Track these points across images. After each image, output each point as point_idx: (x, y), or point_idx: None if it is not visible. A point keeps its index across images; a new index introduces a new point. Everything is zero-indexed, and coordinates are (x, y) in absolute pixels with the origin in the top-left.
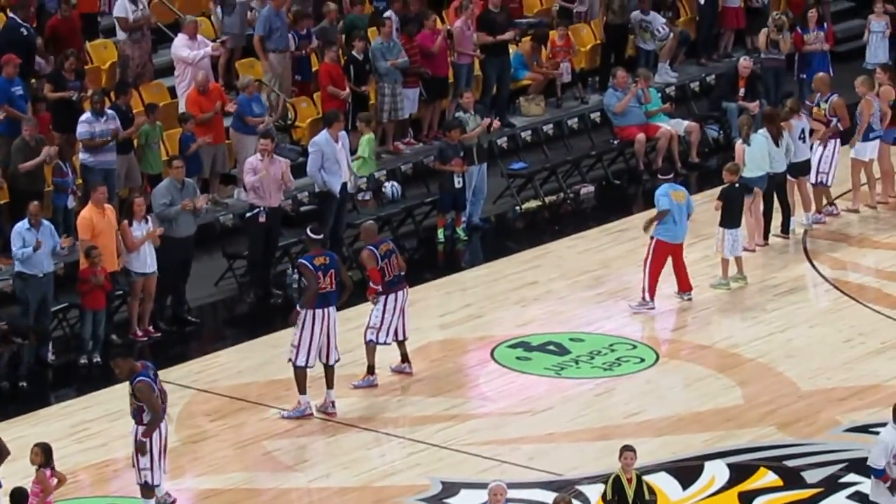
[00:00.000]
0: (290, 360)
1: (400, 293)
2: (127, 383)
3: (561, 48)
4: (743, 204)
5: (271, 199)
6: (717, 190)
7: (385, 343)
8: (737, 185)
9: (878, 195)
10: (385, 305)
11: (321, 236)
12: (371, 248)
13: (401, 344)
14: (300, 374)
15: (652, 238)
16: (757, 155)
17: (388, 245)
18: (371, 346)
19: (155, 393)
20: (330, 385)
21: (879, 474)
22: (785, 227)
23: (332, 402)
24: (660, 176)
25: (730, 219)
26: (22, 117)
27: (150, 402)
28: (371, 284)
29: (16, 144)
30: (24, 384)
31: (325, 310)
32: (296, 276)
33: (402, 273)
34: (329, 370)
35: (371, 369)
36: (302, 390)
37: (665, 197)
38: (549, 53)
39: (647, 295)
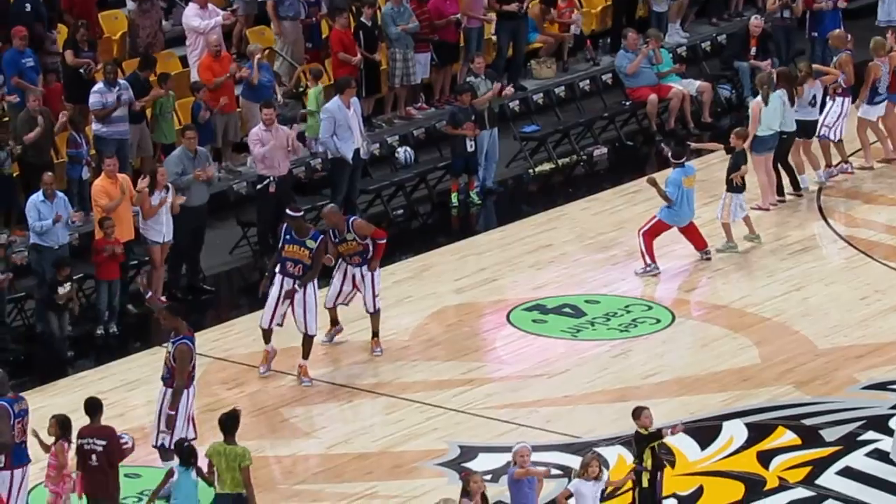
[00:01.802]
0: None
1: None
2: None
3: (566, 8)
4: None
5: (280, 168)
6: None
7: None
8: (742, 151)
9: (892, 152)
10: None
11: (301, 213)
12: (355, 217)
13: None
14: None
15: (653, 217)
16: (772, 114)
17: None
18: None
19: (191, 362)
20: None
21: None
22: (795, 184)
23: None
24: (672, 160)
25: (737, 183)
26: (31, 88)
27: (182, 369)
28: (380, 242)
29: (21, 117)
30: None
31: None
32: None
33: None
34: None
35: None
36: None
37: (675, 187)
38: (556, 15)
39: (647, 258)
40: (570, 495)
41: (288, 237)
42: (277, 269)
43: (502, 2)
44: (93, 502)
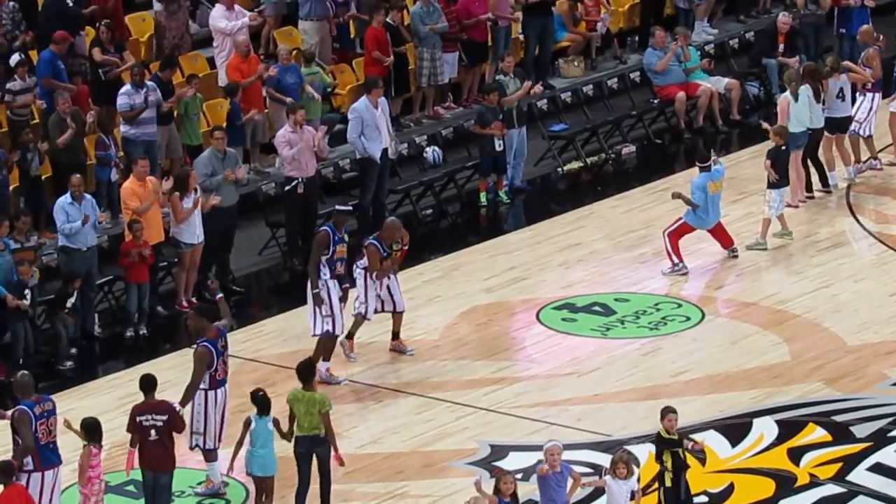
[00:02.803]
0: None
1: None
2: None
3: (593, 7)
4: (788, 163)
5: (308, 169)
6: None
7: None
8: (783, 147)
9: None
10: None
11: (350, 209)
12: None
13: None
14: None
15: (679, 218)
16: (802, 110)
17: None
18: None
19: (210, 364)
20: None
21: None
22: (824, 181)
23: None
24: (698, 164)
25: (781, 179)
26: (65, 87)
27: (197, 370)
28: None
29: (52, 119)
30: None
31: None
32: None
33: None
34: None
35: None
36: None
37: (701, 192)
38: (583, 13)
39: (674, 258)
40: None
41: (337, 238)
42: (327, 275)
43: None
44: (151, 475)
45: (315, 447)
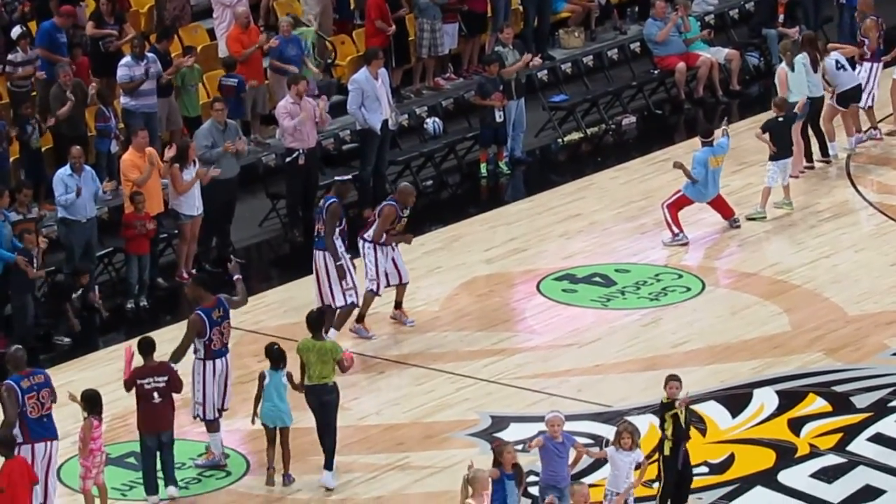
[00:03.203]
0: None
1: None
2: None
3: None
4: (790, 134)
5: (309, 140)
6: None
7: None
8: (780, 118)
9: None
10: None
11: (350, 178)
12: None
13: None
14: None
15: (678, 191)
16: (799, 80)
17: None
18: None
19: (202, 333)
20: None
21: None
22: (824, 150)
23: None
24: (701, 139)
25: (779, 151)
26: (59, 59)
27: (186, 336)
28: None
29: (52, 91)
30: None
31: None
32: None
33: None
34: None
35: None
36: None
37: (701, 166)
38: None
39: (673, 228)
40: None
41: (343, 210)
42: (342, 247)
43: None
44: (155, 437)
45: (324, 395)
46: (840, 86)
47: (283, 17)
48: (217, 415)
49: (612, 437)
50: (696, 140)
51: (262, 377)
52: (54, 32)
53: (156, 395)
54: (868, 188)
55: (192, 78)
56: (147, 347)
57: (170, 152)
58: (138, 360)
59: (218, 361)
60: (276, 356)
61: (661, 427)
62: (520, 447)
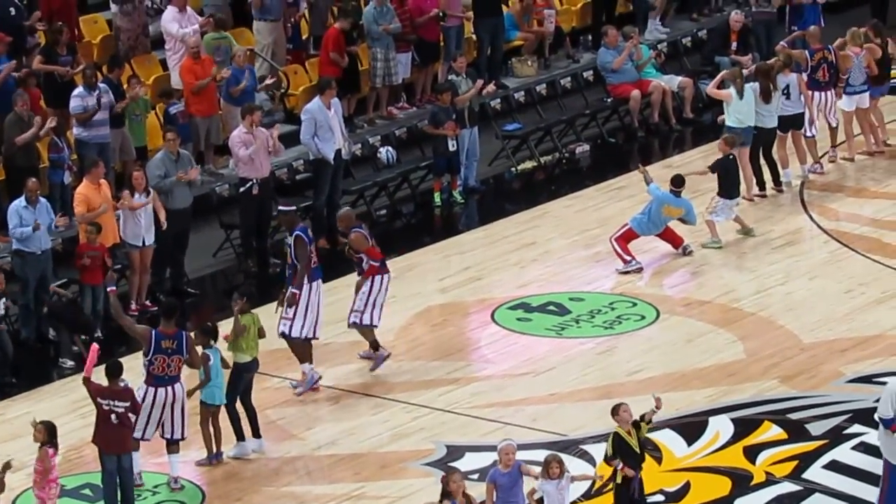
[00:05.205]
0: (284, 333)
1: (386, 276)
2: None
3: (543, 7)
4: (738, 172)
5: (262, 169)
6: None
7: (373, 325)
8: (730, 156)
9: (874, 145)
10: (372, 287)
11: (293, 208)
12: (358, 229)
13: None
14: (303, 346)
15: (625, 224)
16: (746, 108)
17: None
18: (364, 329)
19: (146, 352)
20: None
21: (889, 424)
22: (776, 179)
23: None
24: (671, 186)
25: (728, 188)
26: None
27: (134, 330)
28: (372, 263)
29: (9, 119)
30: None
31: (317, 283)
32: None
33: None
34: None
35: (375, 345)
36: (307, 359)
37: (657, 205)
38: (534, 13)
39: (625, 257)
40: (538, 496)
41: (310, 237)
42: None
43: None
44: (114, 460)
45: (254, 370)
46: (782, 111)
47: (238, 48)
48: (159, 436)
49: (539, 471)
50: (653, 166)
51: (206, 358)
52: None
53: (113, 416)
54: (822, 215)
55: (137, 107)
56: (114, 370)
57: (127, 200)
58: (104, 381)
59: (160, 390)
60: (215, 333)
61: (613, 456)
62: (475, 476)
